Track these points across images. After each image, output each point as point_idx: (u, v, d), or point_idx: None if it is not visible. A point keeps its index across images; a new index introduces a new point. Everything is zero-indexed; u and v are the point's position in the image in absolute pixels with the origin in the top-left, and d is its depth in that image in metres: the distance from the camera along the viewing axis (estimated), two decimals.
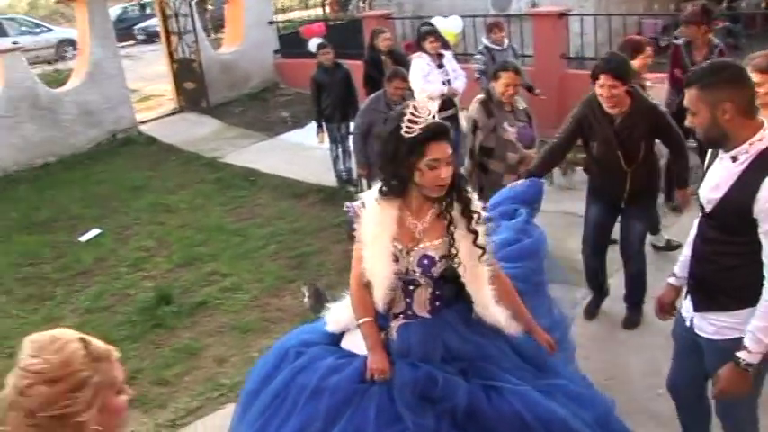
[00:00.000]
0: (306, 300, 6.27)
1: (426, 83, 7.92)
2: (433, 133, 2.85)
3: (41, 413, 1.82)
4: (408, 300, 3.10)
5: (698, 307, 3.21)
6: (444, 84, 7.99)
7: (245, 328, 6.16)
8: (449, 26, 9.74)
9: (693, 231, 3.28)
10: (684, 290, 3.38)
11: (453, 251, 2.99)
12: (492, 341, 3.13)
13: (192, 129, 13.18)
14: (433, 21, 9.85)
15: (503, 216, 3.98)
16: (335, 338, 3.32)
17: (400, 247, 3.01)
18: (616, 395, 4.35)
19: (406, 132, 2.83)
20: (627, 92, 4.62)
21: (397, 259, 3.02)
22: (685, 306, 3.33)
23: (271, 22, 15.01)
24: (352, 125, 8.12)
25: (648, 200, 5.21)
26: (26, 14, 34.11)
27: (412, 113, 2.84)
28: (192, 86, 14.00)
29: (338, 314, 3.32)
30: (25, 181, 11.71)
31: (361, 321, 3.14)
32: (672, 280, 3.51)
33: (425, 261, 3.00)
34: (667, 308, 3.53)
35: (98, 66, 12.77)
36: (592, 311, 5.49)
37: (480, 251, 2.99)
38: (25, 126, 12.06)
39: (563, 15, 10.25)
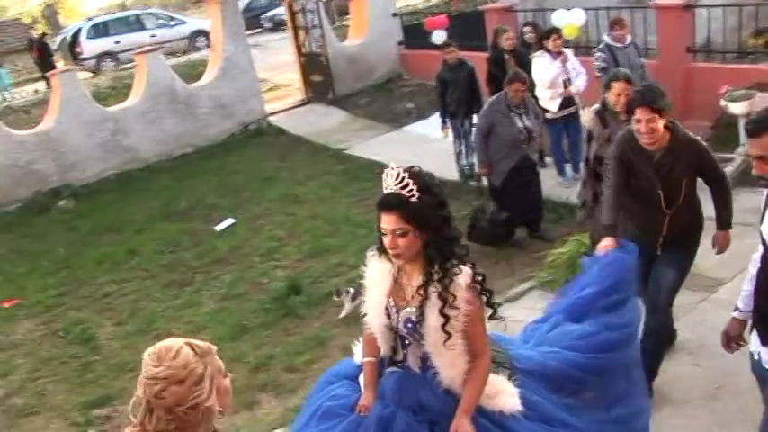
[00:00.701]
0: (346, 303, 6.60)
1: (547, 80, 8.10)
2: (380, 204, 3.01)
3: (179, 408, 2.23)
4: (405, 352, 3.24)
5: (765, 341, 3.24)
6: (565, 82, 8.11)
7: None
8: (571, 19, 9.71)
9: (752, 267, 3.31)
10: (749, 324, 3.41)
11: (421, 322, 3.07)
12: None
13: (319, 120, 13.64)
14: (555, 14, 9.86)
15: (605, 310, 3.80)
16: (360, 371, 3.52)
17: (393, 304, 3.15)
18: (724, 404, 4.40)
19: None
20: (665, 126, 4.28)
21: (389, 315, 3.16)
22: (753, 341, 3.36)
23: (394, 14, 15.30)
24: (476, 120, 8.35)
25: (686, 248, 4.61)
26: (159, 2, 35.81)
27: (384, 179, 3.00)
28: (319, 79, 14.47)
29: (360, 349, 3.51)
30: (165, 171, 12.51)
31: (362, 361, 3.38)
32: (736, 314, 3.53)
33: (409, 324, 3.11)
34: (733, 341, 3.54)
35: (230, 61, 13.44)
36: None
37: (446, 336, 3.03)
38: (165, 120, 12.89)
39: (689, 7, 9.94)
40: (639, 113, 4.20)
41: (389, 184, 2.97)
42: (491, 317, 3.22)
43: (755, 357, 3.33)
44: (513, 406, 3.16)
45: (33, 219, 11.33)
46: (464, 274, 3.04)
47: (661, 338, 4.77)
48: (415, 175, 2.98)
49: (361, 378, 3.39)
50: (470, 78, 8.98)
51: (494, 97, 7.52)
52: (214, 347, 2.39)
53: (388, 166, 2.99)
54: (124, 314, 7.76)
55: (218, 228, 9.65)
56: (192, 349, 2.31)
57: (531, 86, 7.90)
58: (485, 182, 7.96)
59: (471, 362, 3.11)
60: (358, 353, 3.51)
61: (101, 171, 12.41)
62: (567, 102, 8.28)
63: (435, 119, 9.95)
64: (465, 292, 3.03)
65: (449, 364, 3.09)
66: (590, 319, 3.76)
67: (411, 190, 2.93)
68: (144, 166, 12.70)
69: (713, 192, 4.53)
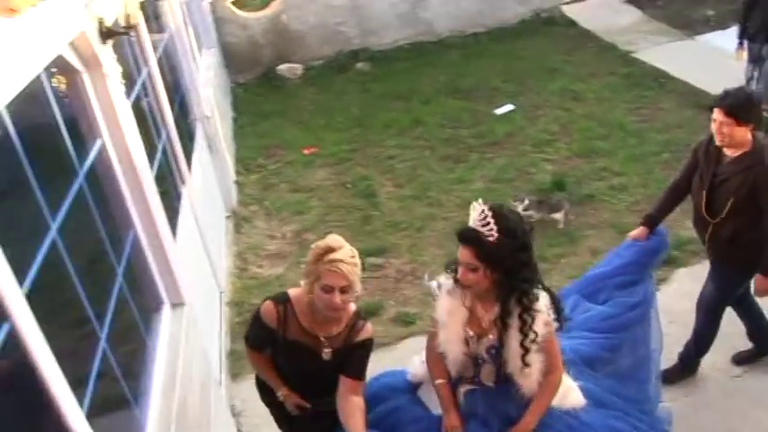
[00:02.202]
0: (518, 207, 6.89)
1: None
2: (459, 236, 3.10)
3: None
4: (477, 369, 3.37)
5: None
6: None
7: (622, 228, 6.75)
8: None
9: None
10: None
11: (502, 351, 3.23)
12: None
13: (612, 17, 13.47)
14: None
15: (618, 287, 4.10)
16: (414, 386, 3.67)
17: (471, 333, 3.27)
18: None
19: None
20: (754, 137, 4.20)
21: (467, 343, 3.29)
22: None
23: None
24: None
25: (730, 266, 4.53)
26: None
27: (471, 211, 3.07)
28: None
29: (417, 368, 3.63)
30: (455, 47, 13.10)
31: (436, 383, 3.43)
32: None
33: (493, 350, 3.26)
34: None
35: None
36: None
37: (526, 365, 3.19)
38: None
39: None
40: (716, 113, 4.16)
41: (473, 219, 3.03)
42: (557, 330, 3.33)
43: None
44: (580, 400, 3.42)
45: (333, 77, 12.50)
46: (543, 300, 3.17)
47: (704, 339, 4.87)
48: (500, 215, 3.02)
49: (423, 392, 3.60)
50: None
51: None
52: (338, 269, 3.11)
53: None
54: (403, 178, 8.64)
55: (498, 111, 10.15)
56: (322, 253, 3.16)
57: None
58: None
59: (544, 377, 3.27)
60: (412, 373, 3.67)
61: (396, 39, 13.27)
62: None
63: (733, 32, 9.60)
64: (545, 315, 3.17)
65: (530, 382, 3.27)
66: (604, 295, 4.09)
67: (491, 229, 2.98)
68: (436, 39, 13.38)
69: (764, 229, 4.25)
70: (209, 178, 7.68)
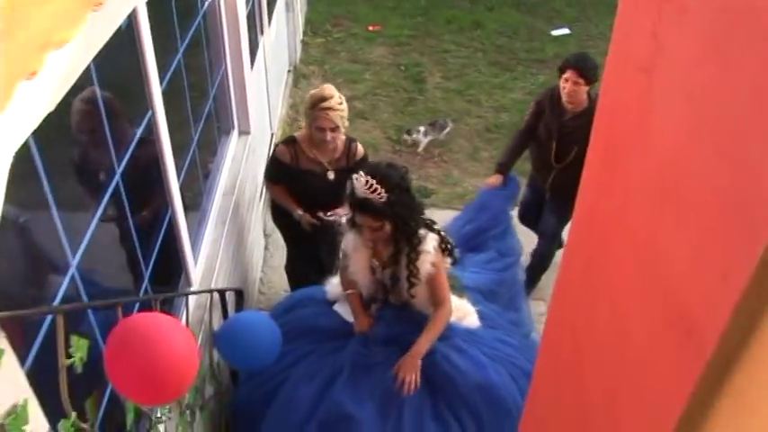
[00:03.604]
0: (422, 139, 7.63)
1: None
2: (355, 206, 3.37)
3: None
4: (385, 293, 3.74)
5: None
6: None
7: None
8: None
9: None
10: None
11: (397, 282, 3.61)
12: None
13: None
14: None
15: (495, 239, 4.72)
16: (331, 302, 4.02)
17: (377, 263, 3.63)
18: None
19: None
20: (588, 95, 4.70)
21: (374, 272, 3.67)
22: None
23: None
24: None
25: (567, 202, 4.97)
26: None
27: (355, 179, 3.31)
28: None
29: (334, 288, 4.01)
30: None
31: (347, 293, 3.83)
32: None
33: (393, 279, 3.63)
34: None
35: None
36: None
37: (412, 296, 3.60)
38: None
39: None
40: (569, 74, 4.65)
41: (360, 189, 3.27)
42: (452, 264, 3.76)
43: None
44: (475, 323, 3.92)
45: None
46: (430, 241, 3.51)
47: (545, 261, 5.64)
48: (382, 176, 3.28)
49: (338, 306, 3.95)
50: None
51: None
52: (327, 112, 4.06)
53: None
54: (452, 73, 9.40)
55: (554, 32, 10.72)
56: (318, 100, 4.07)
57: None
58: None
59: (434, 310, 3.63)
60: (329, 292, 4.05)
61: None
62: None
63: None
64: (432, 255, 3.51)
65: (422, 306, 3.68)
66: (486, 247, 4.73)
67: (380, 192, 3.25)
68: None
69: None
70: (282, 33, 8.50)
